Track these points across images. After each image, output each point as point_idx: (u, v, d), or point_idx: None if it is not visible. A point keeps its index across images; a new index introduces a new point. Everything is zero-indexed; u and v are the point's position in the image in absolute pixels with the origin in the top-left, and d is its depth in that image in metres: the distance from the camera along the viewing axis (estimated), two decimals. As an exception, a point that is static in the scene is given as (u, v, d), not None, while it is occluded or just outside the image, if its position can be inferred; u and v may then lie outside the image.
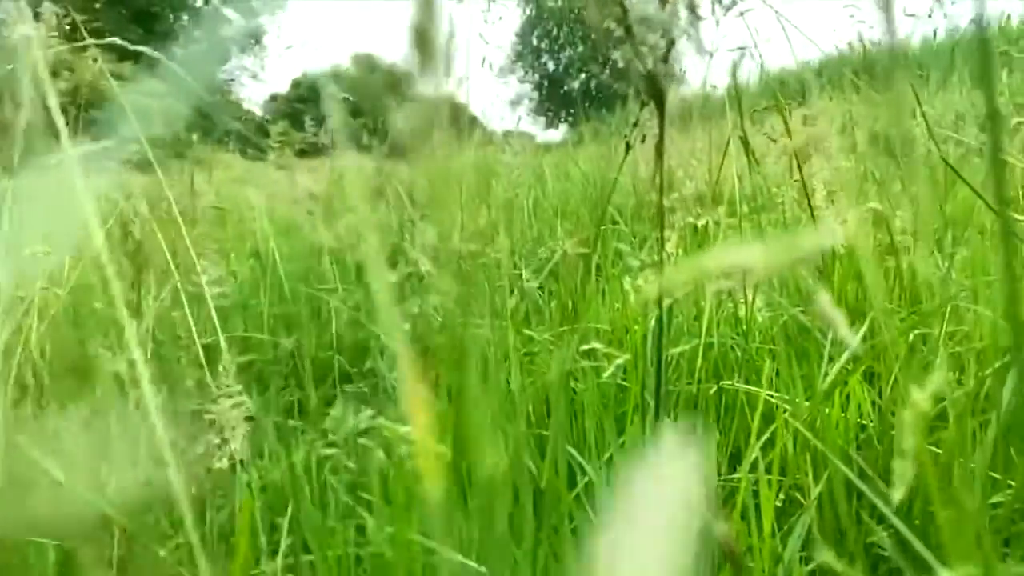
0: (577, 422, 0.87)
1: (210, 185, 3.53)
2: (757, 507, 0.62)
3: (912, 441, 0.27)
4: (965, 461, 0.67)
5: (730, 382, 0.86)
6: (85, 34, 1.16)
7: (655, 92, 0.40)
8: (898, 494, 0.27)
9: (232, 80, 21.25)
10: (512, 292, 1.64)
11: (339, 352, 1.60)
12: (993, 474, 0.67)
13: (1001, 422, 0.68)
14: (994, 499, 0.68)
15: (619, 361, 0.45)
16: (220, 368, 0.97)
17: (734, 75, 1.15)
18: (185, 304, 0.87)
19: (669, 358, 0.95)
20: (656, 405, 0.42)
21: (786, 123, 1.15)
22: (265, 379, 1.54)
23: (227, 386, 1.01)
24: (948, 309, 0.78)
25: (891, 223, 1.09)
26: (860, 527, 0.70)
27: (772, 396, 0.70)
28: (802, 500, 0.66)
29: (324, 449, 0.52)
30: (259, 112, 19.30)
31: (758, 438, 0.59)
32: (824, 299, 0.30)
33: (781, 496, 0.62)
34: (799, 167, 1.03)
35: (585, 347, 0.47)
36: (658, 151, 0.42)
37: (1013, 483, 0.65)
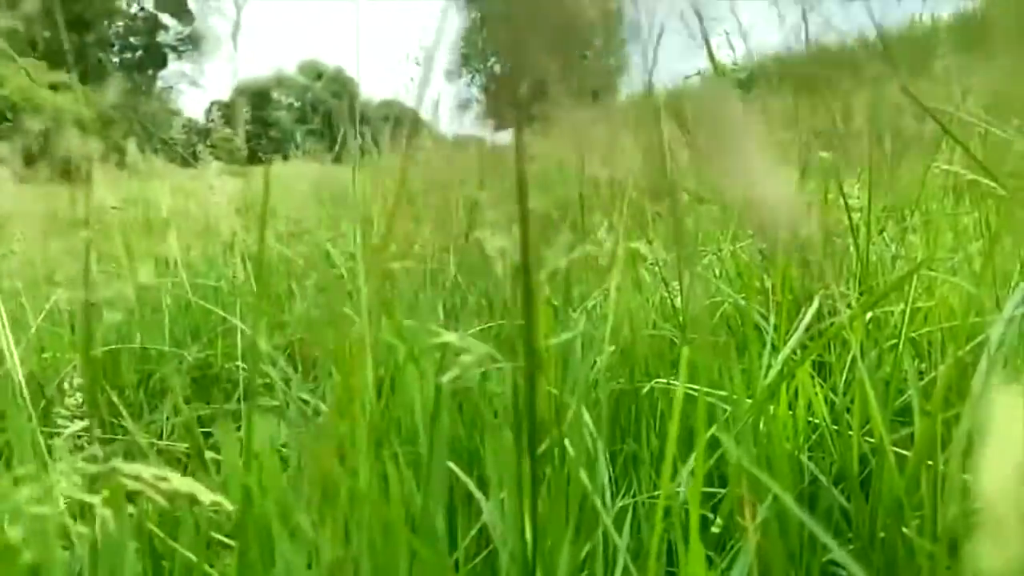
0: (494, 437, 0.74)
1: (128, 194, 3.31)
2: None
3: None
4: (935, 462, 0.56)
5: (664, 380, 0.74)
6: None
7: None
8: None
9: (170, 87, 20.61)
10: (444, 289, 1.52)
11: (247, 362, 1.44)
12: (967, 477, 0.57)
13: (973, 416, 0.58)
14: (968, 504, 0.58)
15: (471, 358, 0.33)
16: (64, 386, 0.82)
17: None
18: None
19: (596, 355, 0.83)
20: (528, 419, 0.30)
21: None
22: (165, 395, 1.39)
23: (74, 407, 0.86)
24: (908, 285, 0.67)
25: (839, 201, 1.00)
26: (816, 546, 0.59)
27: (693, 392, 0.58)
28: (743, 522, 0.54)
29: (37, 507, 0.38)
30: (200, 119, 18.73)
31: (682, 446, 0.48)
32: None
33: (719, 521, 0.50)
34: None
35: (440, 340, 0.35)
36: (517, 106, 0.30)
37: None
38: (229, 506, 0.32)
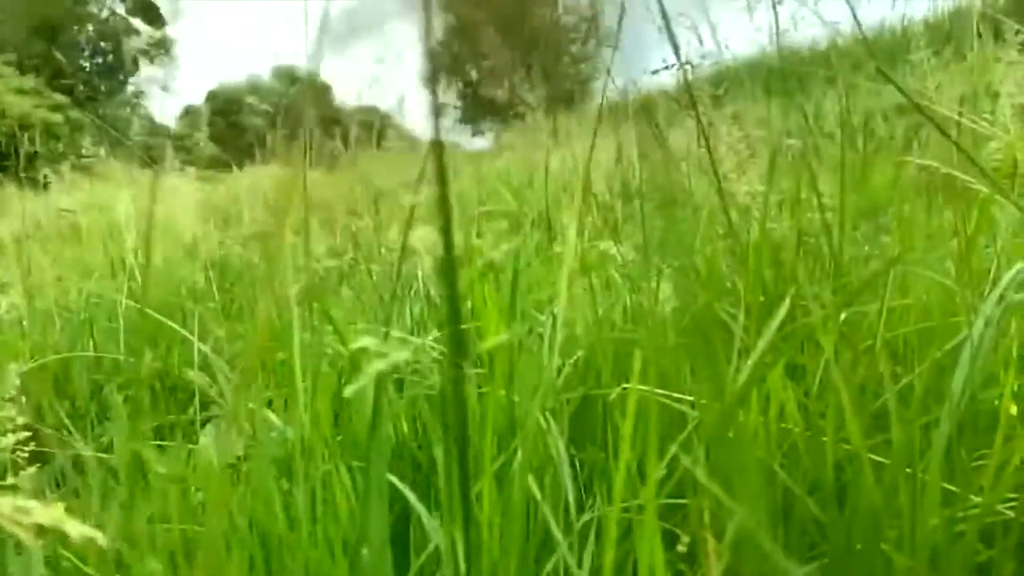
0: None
1: (91, 200, 3.23)
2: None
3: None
4: (914, 470, 0.53)
5: (629, 385, 0.71)
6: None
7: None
8: None
9: (142, 92, 20.29)
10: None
11: (206, 372, 1.39)
12: (948, 486, 0.54)
13: (952, 420, 0.55)
14: (949, 514, 0.55)
15: (381, 366, 0.29)
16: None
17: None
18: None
19: (566, 357, 0.80)
20: (456, 426, 0.26)
21: (693, 99, 1.02)
22: (114, 405, 1.32)
23: (11, 419, 0.81)
24: (883, 283, 0.64)
25: (811, 199, 0.97)
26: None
27: (657, 397, 0.55)
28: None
29: None
30: (173, 125, 18.47)
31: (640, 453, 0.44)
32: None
33: (686, 539, 0.47)
34: (706, 137, 0.90)
35: (356, 346, 0.31)
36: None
37: (974, 496, 0.52)
38: (102, 540, 0.28)
